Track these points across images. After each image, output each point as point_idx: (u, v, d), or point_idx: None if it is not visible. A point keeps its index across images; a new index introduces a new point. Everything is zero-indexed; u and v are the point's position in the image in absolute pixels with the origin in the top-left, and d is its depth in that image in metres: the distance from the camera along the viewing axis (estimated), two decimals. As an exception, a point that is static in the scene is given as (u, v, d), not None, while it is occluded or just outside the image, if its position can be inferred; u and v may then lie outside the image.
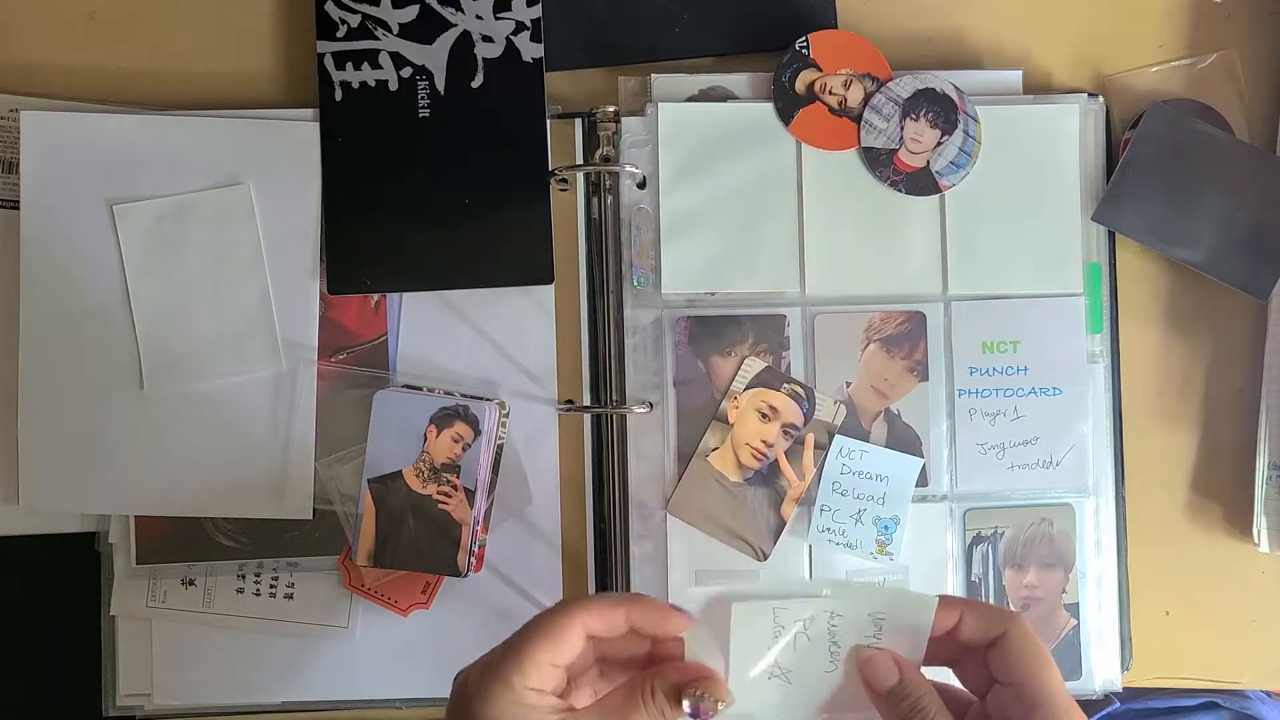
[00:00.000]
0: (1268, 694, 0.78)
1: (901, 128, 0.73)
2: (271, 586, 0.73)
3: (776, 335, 0.73)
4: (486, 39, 0.72)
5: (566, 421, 0.73)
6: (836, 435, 0.73)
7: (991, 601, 0.74)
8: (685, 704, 0.54)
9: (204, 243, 0.71)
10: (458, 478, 0.71)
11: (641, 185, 0.73)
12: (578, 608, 0.55)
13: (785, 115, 0.73)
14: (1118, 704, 0.75)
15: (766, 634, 0.56)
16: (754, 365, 0.73)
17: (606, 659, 0.59)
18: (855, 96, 0.73)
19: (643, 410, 0.73)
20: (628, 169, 0.73)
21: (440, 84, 0.72)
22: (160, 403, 0.71)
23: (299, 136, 0.72)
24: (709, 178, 0.73)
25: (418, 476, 0.71)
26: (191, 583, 0.73)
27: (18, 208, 0.71)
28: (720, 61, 0.75)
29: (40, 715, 0.75)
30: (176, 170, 0.71)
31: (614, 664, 0.58)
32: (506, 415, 0.72)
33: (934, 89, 0.73)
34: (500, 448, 0.72)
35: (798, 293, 0.73)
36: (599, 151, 0.73)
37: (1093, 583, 0.74)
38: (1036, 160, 0.74)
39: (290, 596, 0.73)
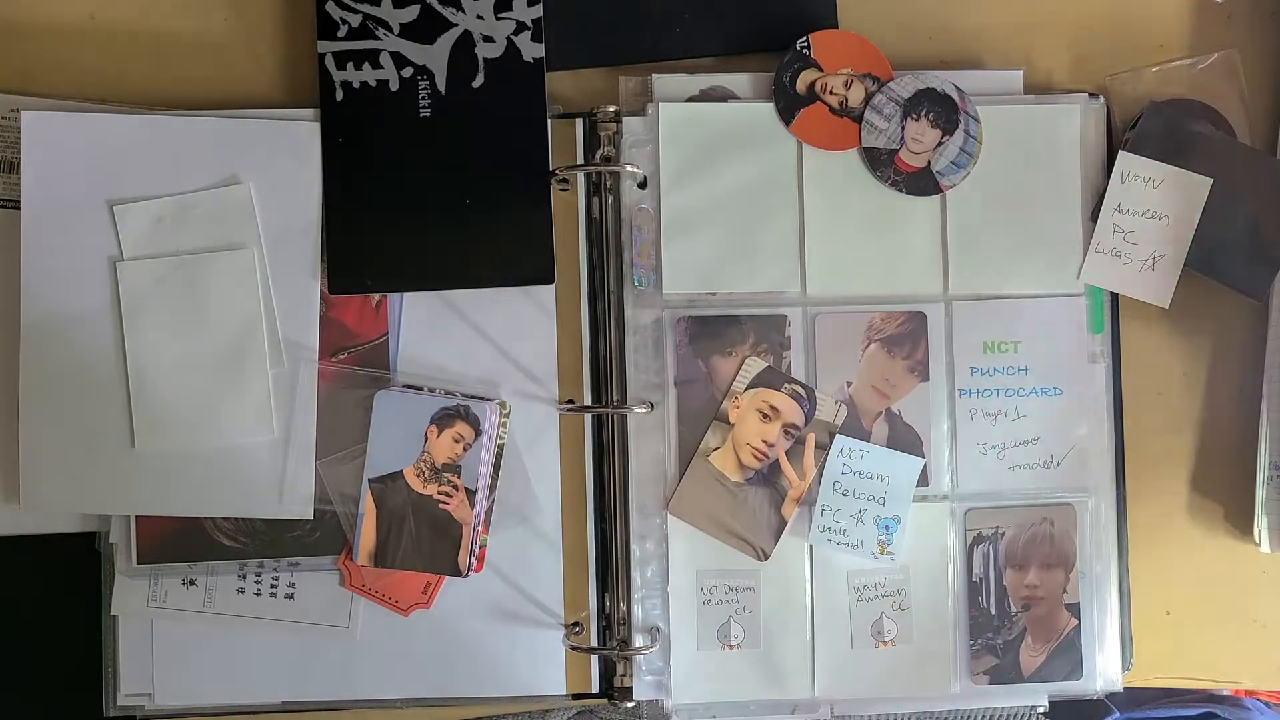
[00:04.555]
0: (1266, 704, 0.78)
1: (902, 128, 0.73)
2: (272, 586, 0.73)
3: (777, 335, 0.73)
4: (487, 39, 0.72)
5: (567, 421, 0.73)
6: (837, 435, 0.73)
7: (993, 601, 0.74)
8: None
9: (204, 243, 0.71)
10: (458, 478, 0.71)
11: (642, 185, 0.73)
12: None
13: (786, 115, 0.73)
14: (1117, 713, 0.76)
15: None
16: (755, 365, 0.73)
17: None
18: (856, 96, 0.73)
19: (643, 410, 0.73)
20: (628, 169, 0.73)
21: (441, 84, 0.72)
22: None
23: (299, 136, 0.72)
24: (710, 178, 0.73)
25: (418, 476, 0.71)
26: (192, 582, 0.73)
27: (18, 208, 0.71)
28: (721, 61, 0.75)
29: (40, 715, 0.75)
30: (176, 170, 0.71)
31: None
32: (507, 415, 0.72)
33: (935, 89, 0.73)
34: (501, 448, 0.72)
35: (798, 293, 0.73)
36: (600, 151, 0.73)
37: (1093, 583, 0.74)
38: (1037, 160, 0.74)
39: (291, 596, 0.73)
